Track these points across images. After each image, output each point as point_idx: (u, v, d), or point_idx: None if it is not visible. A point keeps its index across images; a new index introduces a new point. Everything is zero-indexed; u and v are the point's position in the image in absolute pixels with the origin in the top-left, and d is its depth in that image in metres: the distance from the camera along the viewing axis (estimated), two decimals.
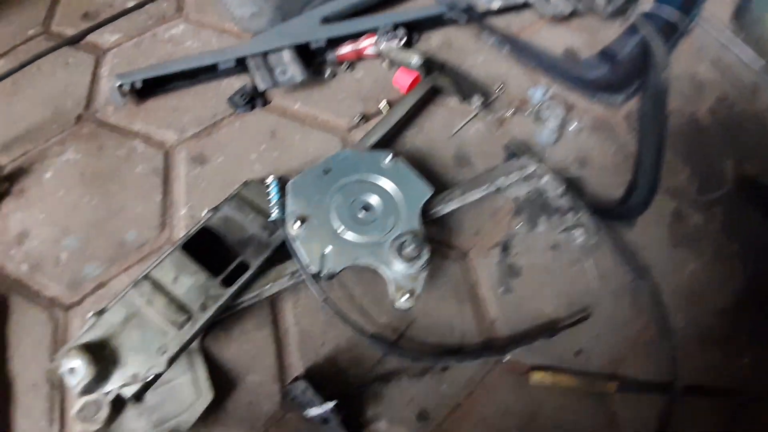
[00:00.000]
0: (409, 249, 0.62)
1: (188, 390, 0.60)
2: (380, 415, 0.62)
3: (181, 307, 0.60)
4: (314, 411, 0.60)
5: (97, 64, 0.85)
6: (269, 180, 0.67)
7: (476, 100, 0.83)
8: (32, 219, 0.71)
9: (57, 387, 0.62)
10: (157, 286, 0.61)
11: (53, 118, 0.79)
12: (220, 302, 0.61)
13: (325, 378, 0.63)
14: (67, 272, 0.67)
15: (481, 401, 0.64)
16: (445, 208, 0.71)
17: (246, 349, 0.64)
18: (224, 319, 0.63)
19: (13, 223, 0.71)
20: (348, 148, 0.75)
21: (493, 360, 0.66)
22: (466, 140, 0.81)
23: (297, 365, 0.64)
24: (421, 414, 0.63)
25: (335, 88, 0.85)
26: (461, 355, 0.65)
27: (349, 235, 0.64)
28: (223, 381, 0.62)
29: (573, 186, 0.77)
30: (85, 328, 0.58)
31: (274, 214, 0.65)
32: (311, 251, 0.62)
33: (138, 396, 0.58)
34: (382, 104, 0.83)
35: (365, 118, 0.82)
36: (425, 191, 0.68)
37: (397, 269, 0.62)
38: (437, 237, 0.73)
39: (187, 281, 0.61)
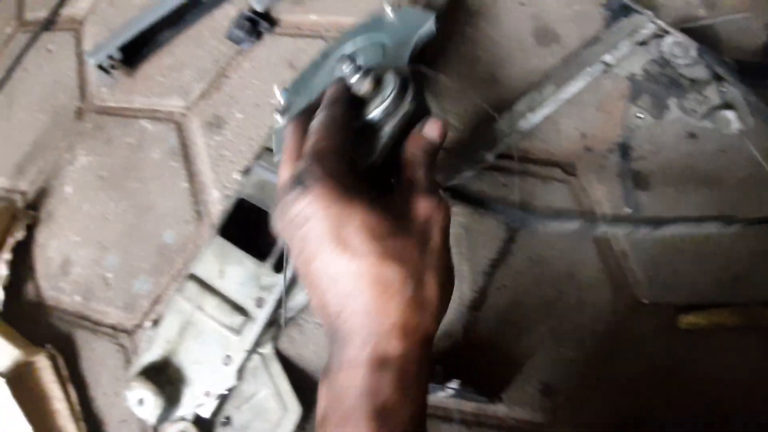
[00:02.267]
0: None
1: (273, 404, 0.50)
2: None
3: (235, 307, 0.49)
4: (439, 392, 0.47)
5: (78, 42, 0.71)
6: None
7: None
8: (68, 243, 0.63)
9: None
10: (204, 286, 0.50)
11: (54, 121, 0.68)
12: (276, 293, 0.48)
13: None
14: (118, 294, 0.59)
15: (618, 356, 0.47)
16: (537, 115, 0.51)
17: (325, 345, 0.53)
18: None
19: (53, 252, 0.63)
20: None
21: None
22: (546, 3, 0.57)
23: None
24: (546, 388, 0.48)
25: None
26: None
27: None
28: (308, 387, 0.51)
29: (710, 43, 0.51)
30: (144, 346, 0.50)
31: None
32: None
33: (215, 414, 0.50)
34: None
35: (398, 5, 0.61)
36: (422, 19, 0.43)
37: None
38: (530, 154, 0.53)
39: (235, 273, 0.49)
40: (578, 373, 0.47)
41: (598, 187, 0.51)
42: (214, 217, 0.57)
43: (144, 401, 0.48)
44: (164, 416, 0.48)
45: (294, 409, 0.49)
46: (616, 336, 0.47)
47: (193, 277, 0.51)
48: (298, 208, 0.28)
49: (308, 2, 0.63)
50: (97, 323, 0.59)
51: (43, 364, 0.59)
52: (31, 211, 0.65)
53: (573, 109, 0.53)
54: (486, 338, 0.50)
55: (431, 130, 0.34)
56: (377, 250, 0.27)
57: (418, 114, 0.35)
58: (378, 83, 0.34)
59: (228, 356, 0.48)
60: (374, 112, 0.34)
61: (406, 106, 0.34)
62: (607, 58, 0.52)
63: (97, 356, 0.58)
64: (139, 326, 0.58)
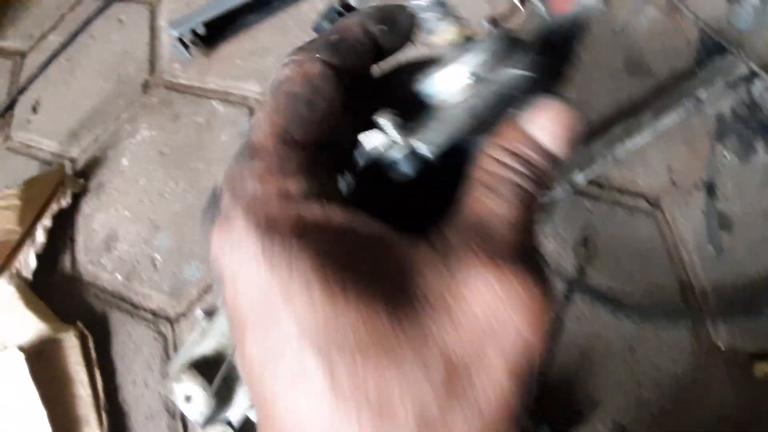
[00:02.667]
0: None
1: None
2: None
3: None
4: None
5: (152, 15, 0.69)
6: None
7: None
8: (117, 218, 0.59)
9: (178, 416, 0.51)
10: None
11: (118, 91, 0.66)
12: None
13: None
14: (166, 277, 0.55)
15: (692, 403, 0.43)
16: (632, 141, 0.48)
17: None
18: None
19: (98, 225, 0.59)
20: None
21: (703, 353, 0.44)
22: (639, 35, 0.55)
23: None
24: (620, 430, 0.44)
25: None
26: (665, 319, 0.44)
27: None
28: None
29: None
30: (195, 335, 0.46)
31: None
32: None
33: None
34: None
35: (494, 22, 0.59)
36: None
37: None
38: (615, 183, 0.50)
39: None
40: (652, 415, 0.43)
41: (683, 222, 0.48)
42: None
43: (192, 398, 0.43)
44: (212, 417, 0.43)
45: None
46: (693, 380, 0.43)
47: None
48: (214, 248, 0.14)
49: None
50: (136, 306, 0.55)
51: (70, 343, 0.54)
52: (80, 179, 0.61)
53: (660, 142, 0.51)
54: (562, 372, 0.46)
55: (547, 123, 0.16)
56: (341, 374, 0.12)
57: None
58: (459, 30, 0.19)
59: None
60: (448, 76, 0.17)
61: (514, 74, 0.17)
62: (702, 94, 0.51)
63: (131, 342, 0.54)
64: (183, 315, 0.53)
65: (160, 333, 0.53)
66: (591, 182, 0.50)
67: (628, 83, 0.54)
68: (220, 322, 0.46)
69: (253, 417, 0.44)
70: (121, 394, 0.53)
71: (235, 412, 0.44)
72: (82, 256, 0.59)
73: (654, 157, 0.51)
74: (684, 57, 0.54)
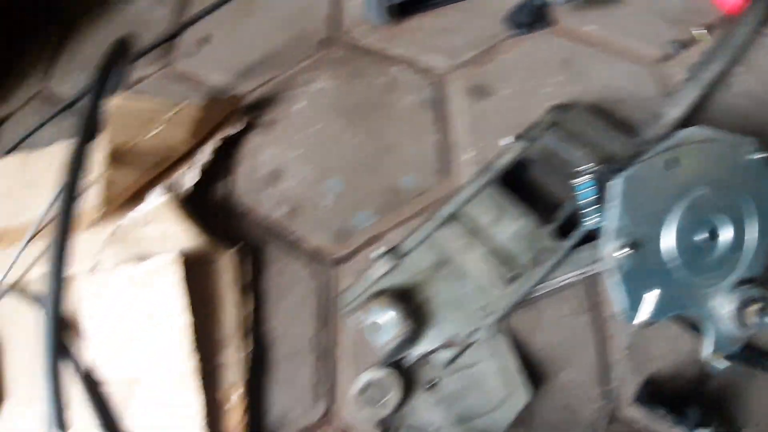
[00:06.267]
0: (754, 308, 0.41)
1: (496, 381, 0.45)
2: None
3: (505, 259, 0.45)
4: None
5: None
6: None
7: None
8: (285, 155, 0.60)
9: (328, 358, 0.50)
10: (474, 229, 0.46)
11: (296, 41, 0.67)
12: (555, 259, 0.45)
13: (658, 389, 0.46)
14: (333, 220, 0.55)
15: None
16: None
17: (560, 339, 0.48)
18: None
19: (264, 159, 0.60)
20: (701, 126, 0.44)
21: None
22: None
23: (623, 366, 0.47)
24: None
25: (635, 6, 0.64)
26: None
27: (681, 273, 0.41)
28: (530, 374, 0.46)
29: None
30: (379, 271, 0.46)
31: (591, 219, 0.43)
32: (632, 291, 0.40)
33: (450, 362, 0.44)
34: (698, 30, 0.62)
35: (683, 45, 0.62)
36: None
37: (725, 327, 0.42)
38: None
39: (510, 226, 0.46)
40: None
41: None
42: (462, 177, 0.55)
43: (382, 326, 0.43)
44: (399, 350, 0.43)
45: (521, 393, 0.44)
46: None
47: (463, 217, 0.48)
48: None
49: (588, 13, 0.64)
50: (295, 243, 0.55)
51: (225, 263, 0.54)
52: (252, 112, 0.62)
53: None
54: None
55: None
56: None
57: None
58: None
59: (484, 308, 0.44)
60: None
61: None
62: None
63: (285, 277, 0.54)
64: (345, 260, 0.53)
65: (317, 273, 0.53)
66: None
67: None
68: (413, 261, 0.46)
69: (439, 360, 0.43)
70: (267, 326, 0.52)
71: (418, 352, 0.43)
72: (242, 185, 0.59)
73: None
74: None
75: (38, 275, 0.67)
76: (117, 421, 0.52)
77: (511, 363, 0.46)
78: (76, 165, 0.47)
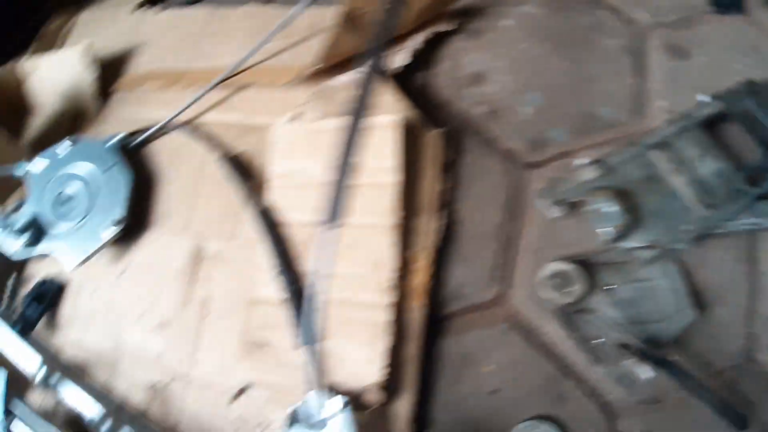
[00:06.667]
0: None
1: (667, 298, 0.52)
2: None
3: (706, 189, 0.52)
4: None
5: None
6: None
7: None
8: (489, 63, 0.64)
9: (510, 246, 0.56)
10: (680, 159, 0.53)
11: None
12: (746, 199, 0.51)
13: None
14: (529, 128, 0.61)
15: None
16: None
17: (717, 278, 0.55)
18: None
19: (467, 61, 0.65)
20: None
21: None
22: None
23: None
24: None
25: None
26: None
27: None
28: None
29: None
30: (590, 175, 0.53)
31: None
32: None
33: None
34: None
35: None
36: None
37: None
38: None
39: (712, 164, 0.52)
40: None
41: None
42: (653, 121, 0.60)
43: (605, 215, 0.49)
44: (618, 237, 0.49)
45: (688, 312, 0.51)
46: None
47: (673, 146, 0.54)
48: None
49: None
50: (491, 140, 0.60)
51: (430, 140, 0.59)
52: (460, 17, 0.67)
53: None
54: None
55: None
56: None
57: None
58: None
59: (688, 222, 0.51)
60: None
61: None
62: None
63: (478, 168, 0.59)
64: (536, 166, 0.59)
65: (509, 170, 0.59)
66: None
67: None
68: (628, 170, 0.52)
69: (642, 256, 0.50)
70: (457, 207, 0.58)
71: (628, 245, 0.50)
72: (442, 80, 0.64)
73: None
74: None
75: (213, 119, 0.72)
76: (293, 260, 0.58)
77: (679, 286, 0.52)
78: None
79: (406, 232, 0.56)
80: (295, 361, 0.53)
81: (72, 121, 0.80)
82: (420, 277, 0.55)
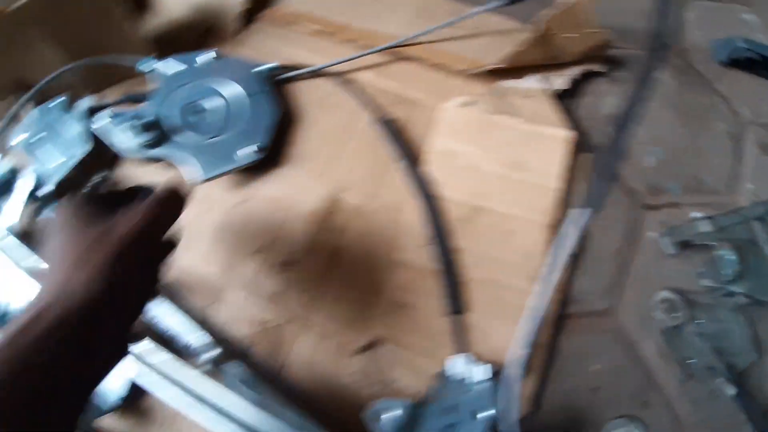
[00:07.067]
0: None
1: (738, 339, 0.62)
2: None
3: None
4: None
5: None
6: None
7: None
8: (622, 110, 0.73)
9: (623, 269, 0.64)
10: None
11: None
12: None
13: None
14: (651, 176, 0.70)
15: None
16: None
17: None
18: None
19: (605, 102, 0.74)
20: None
21: None
22: None
23: None
24: None
25: None
26: None
27: None
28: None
29: None
30: (706, 227, 0.64)
31: None
32: None
33: None
34: None
35: None
36: None
37: None
38: None
39: None
40: None
41: None
42: (740, 199, 0.71)
43: (725, 261, 0.60)
44: (732, 281, 0.59)
45: (752, 354, 0.62)
46: None
47: (761, 220, 0.65)
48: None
49: None
50: (616, 176, 0.69)
51: (583, 161, 0.67)
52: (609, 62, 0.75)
53: None
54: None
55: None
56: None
57: None
58: None
59: None
60: None
61: None
62: None
63: (605, 197, 0.67)
64: (652, 208, 0.68)
65: (630, 206, 0.68)
66: None
67: None
68: (734, 230, 0.63)
69: None
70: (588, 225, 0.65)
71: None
72: (583, 113, 0.72)
73: None
74: None
75: (367, 79, 0.74)
76: (446, 234, 0.62)
77: (746, 332, 0.63)
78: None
79: (550, 234, 0.62)
80: (435, 327, 0.58)
81: (203, 33, 0.79)
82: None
